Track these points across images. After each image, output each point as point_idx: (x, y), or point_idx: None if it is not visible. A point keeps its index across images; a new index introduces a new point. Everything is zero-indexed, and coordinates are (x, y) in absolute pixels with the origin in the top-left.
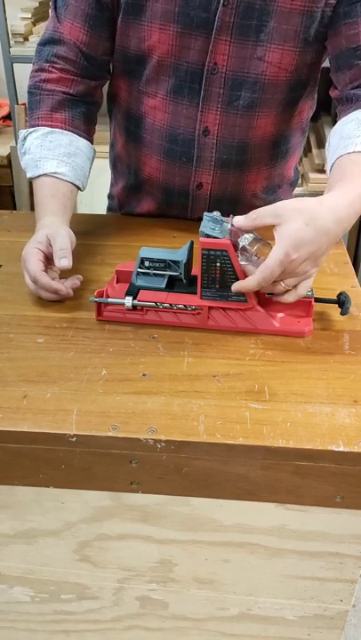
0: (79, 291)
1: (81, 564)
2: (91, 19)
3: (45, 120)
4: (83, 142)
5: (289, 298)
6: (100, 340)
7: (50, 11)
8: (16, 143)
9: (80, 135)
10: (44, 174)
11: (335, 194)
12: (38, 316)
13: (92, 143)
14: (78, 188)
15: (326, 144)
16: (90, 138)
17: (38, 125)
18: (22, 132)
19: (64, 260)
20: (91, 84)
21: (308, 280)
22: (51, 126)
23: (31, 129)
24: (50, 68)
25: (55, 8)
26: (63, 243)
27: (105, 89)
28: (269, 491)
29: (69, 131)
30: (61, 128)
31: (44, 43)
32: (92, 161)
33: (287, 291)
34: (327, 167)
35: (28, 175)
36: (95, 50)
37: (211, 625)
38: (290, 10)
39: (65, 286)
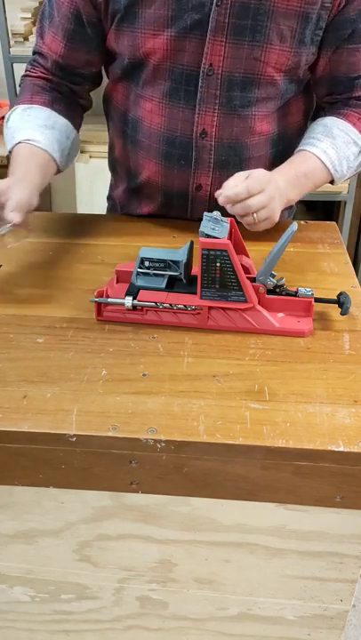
0: (79, 291)
1: (81, 563)
2: (70, 33)
3: (26, 101)
4: (62, 120)
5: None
6: (100, 340)
7: (37, 22)
8: None
9: (60, 114)
10: (19, 142)
11: (282, 170)
12: (38, 316)
13: (77, 131)
14: (56, 163)
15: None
16: (72, 122)
17: (18, 104)
18: (5, 117)
19: (13, 214)
20: (70, 86)
21: (273, 216)
22: (30, 103)
23: (12, 109)
24: (32, 69)
25: (42, 19)
26: (19, 196)
27: (102, 92)
28: (269, 491)
29: (48, 108)
30: (41, 105)
31: (33, 52)
32: (74, 142)
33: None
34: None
35: (8, 149)
36: (75, 62)
37: (211, 625)
38: (285, 10)
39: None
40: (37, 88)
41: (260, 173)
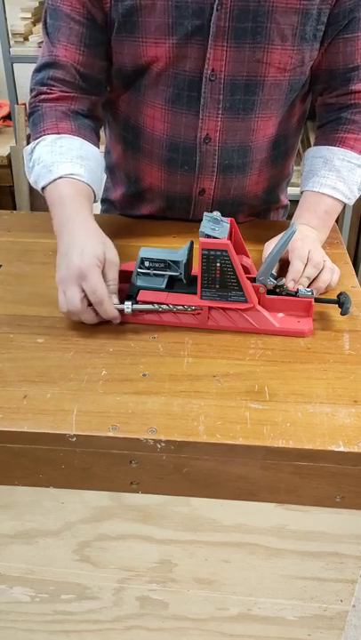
0: None
1: (81, 564)
2: (85, 38)
3: (52, 130)
4: (92, 148)
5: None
6: (100, 340)
7: (42, 36)
8: (16, 143)
9: (89, 141)
10: (60, 177)
11: (304, 219)
12: (38, 316)
13: None
14: (95, 197)
15: (303, 161)
16: (98, 147)
17: (45, 134)
18: (28, 147)
19: (114, 297)
20: (91, 99)
21: (324, 272)
22: (58, 133)
23: (38, 139)
24: (48, 90)
25: (47, 33)
26: (116, 273)
27: None
28: (269, 491)
29: (78, 136)
30: (70, 134)
31: (40, 69)
32: (103, 171)
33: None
34: (300, 187)
35: (41, 184)
36: (92, 69)
37: (211, 625)
38: (285, 8)
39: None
40: (60, 114)
41: (301, 252)
